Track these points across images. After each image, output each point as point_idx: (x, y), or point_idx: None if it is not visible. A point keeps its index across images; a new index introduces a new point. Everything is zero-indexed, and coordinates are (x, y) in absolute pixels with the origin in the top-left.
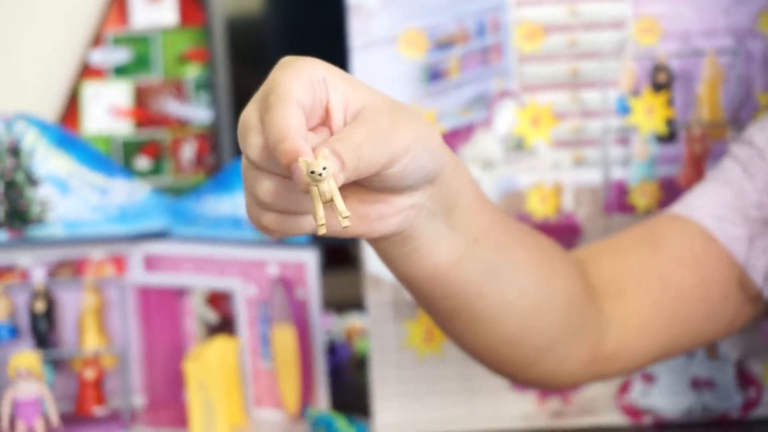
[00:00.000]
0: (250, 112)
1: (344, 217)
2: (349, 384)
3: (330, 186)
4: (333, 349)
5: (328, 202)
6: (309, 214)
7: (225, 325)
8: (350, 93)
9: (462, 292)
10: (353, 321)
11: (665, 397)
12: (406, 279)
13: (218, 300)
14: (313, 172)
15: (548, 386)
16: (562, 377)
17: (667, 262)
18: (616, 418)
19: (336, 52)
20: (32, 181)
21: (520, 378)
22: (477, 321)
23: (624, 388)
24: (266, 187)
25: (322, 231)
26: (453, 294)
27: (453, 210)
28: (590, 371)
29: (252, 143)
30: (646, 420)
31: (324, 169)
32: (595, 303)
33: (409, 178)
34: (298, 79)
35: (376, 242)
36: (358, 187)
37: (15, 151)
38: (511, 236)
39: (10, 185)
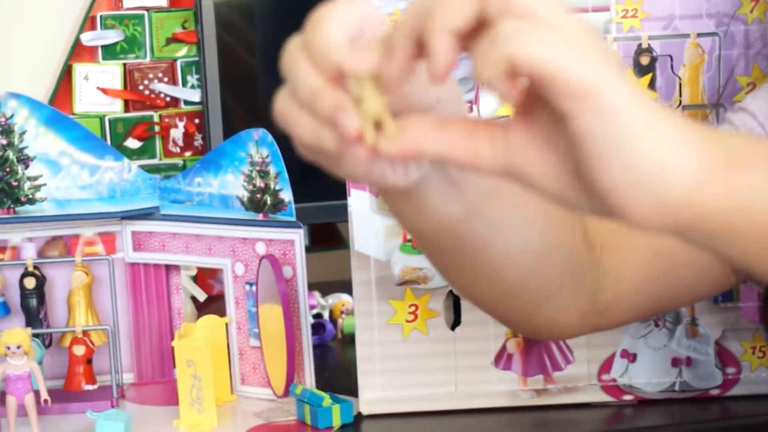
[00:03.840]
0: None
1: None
2: (334, 362)
3: (379, 104)
4: (319, 327)
5: (377, 119)
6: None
7: (213, 303)
8: None
9: (469, 245)
10: (340, 299)
11: (646, 376)
12: (415, 231)
13: (205, 278)
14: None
15: (548, 336)
16: (562, 328)
17: None
18: (598, 396)
19: None
20: (23, 159)
21: (521, 327)
22: (481, 272)
23: (605, 367)
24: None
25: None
26: (461, 246)
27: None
28: (587, 322)
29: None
30: (627, 398)
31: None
32: (593, 255)
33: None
34: (350, 8)
35: (391, 196)
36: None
37: (6, 130)
38: (519, 193)
39: (2, 164)
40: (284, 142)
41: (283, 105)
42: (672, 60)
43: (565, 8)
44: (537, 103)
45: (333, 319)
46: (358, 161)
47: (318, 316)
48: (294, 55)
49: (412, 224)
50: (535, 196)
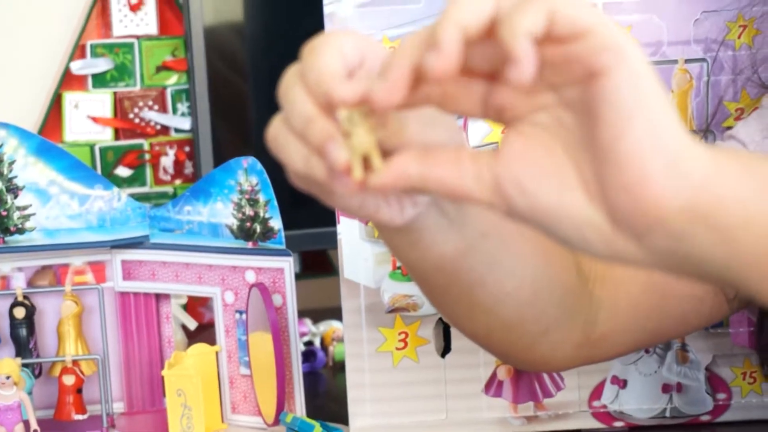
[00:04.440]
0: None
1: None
2: (325, 389)
3: (368, 140)
4: (310, 355)
5: (366, 155)
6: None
7: (204, 331)
8: None
9: (466, 281)
10: (331, 326)
11: (636, 402)
12: (410, 266)
13: (196, 306)
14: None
15: (543, 369)
16: (557, 361)
17: None
18: (589, 423)
19: None
20: (12, 189)
21: (516, 361)
22: (477, 307)
23: (596, 393)
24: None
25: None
26: (457, 282)
27: (462, 206)
28: (582, 354)
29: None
30: (618, 424)
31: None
32: (587, 288)
33: None
34: (350, 38)
35: (386, 230)
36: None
37: None
38: (515, 229)
39: None
40: (274, 169)
41: (276, 131)
42: None
43: None
44: (536, 103)
45: (324, 346)
46: (347, 194)
47: (309, 343)
48: (290, 82)
49: (407, 259)
50: (529, 233)
